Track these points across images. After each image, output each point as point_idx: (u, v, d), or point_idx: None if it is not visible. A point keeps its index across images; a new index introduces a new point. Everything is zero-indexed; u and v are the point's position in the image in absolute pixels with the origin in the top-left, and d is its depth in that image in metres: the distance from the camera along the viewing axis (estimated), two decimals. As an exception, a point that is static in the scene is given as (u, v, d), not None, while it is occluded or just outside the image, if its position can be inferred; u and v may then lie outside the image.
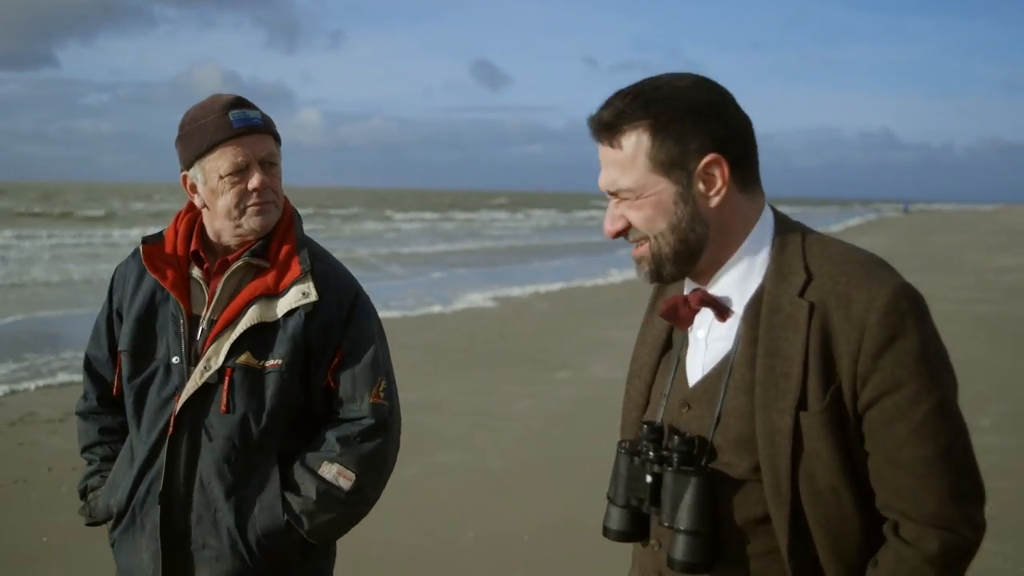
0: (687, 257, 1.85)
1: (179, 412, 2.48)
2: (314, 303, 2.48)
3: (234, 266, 2.52)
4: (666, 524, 1.85)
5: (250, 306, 2.49)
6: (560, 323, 15.44)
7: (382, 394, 2.53)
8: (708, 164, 1.79)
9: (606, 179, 1.86)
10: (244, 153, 2.46)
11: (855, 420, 1.76)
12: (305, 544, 2.50)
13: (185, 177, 2.56)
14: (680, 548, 1.82)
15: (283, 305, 2.49)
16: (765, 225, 1.87)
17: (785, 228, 1.88)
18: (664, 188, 1.81)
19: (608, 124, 1.83)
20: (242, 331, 2.47)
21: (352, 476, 2.48)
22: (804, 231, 1.88)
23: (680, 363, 1.95)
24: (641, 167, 1.81)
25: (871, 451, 1.76)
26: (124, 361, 2.58)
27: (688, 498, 1.82)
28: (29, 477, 6.77)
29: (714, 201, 1.81)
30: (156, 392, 2.53)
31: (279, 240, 2.55)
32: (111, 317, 2.68)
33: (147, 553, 2.51)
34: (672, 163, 1.80)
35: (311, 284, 2.49)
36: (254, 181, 2.46)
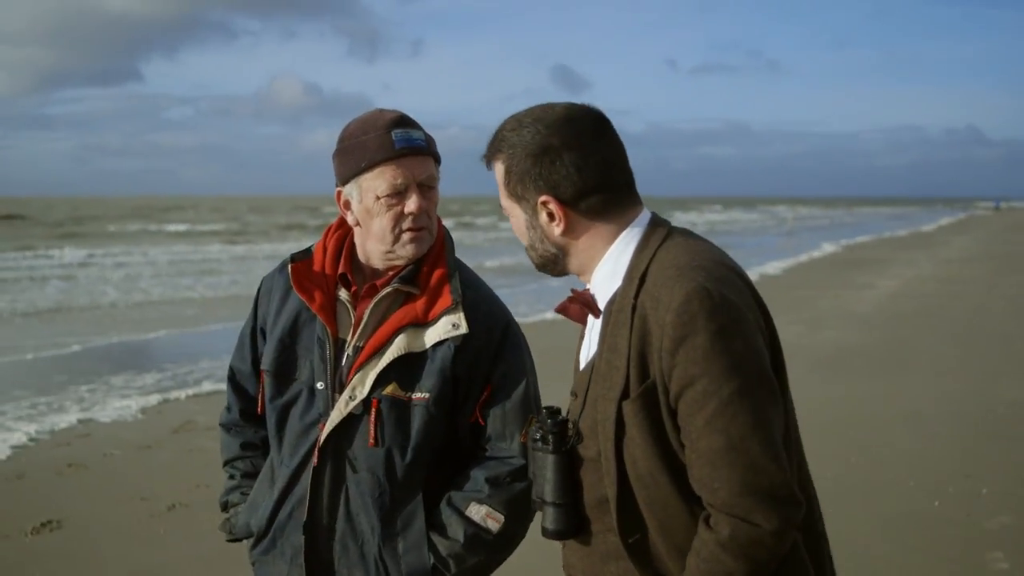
0: (549, 266, 2.14)
1: (324, 442, 2.42)
2: (463, 335, 2.40)
3: (383, 292, 2.44)
4: (535, 497, 2.10)
5: (398, 335, 2.40)
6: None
7: None
8: (543, 203, 2.04)
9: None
10: (404, 175, 2.38)
11: (670, 412, 1.89)
12: None
13: (340, 193, 2.48)
14: (547, 517, 2.08)
15: (431, 336, 2.40)
16: (632, 233, 2.05)
17: (648, 236, 2.04)
18: (519, 214, 2.11)
19: (487, 153, 2.13)
20: (389, 361, 2.39)
21: (501, 518, 2.40)
22: (667, 237, 2.03)
23: (577, 357, 2.19)
24: (503, 191, 2.12)
25: (684, 442, 1.88)
26: (267, 381, 2.54)
27: (548, 474, 2.05)
28: (210, 482, 6.93)
29: (557, 230, 2.06)
30: (299, 416, 2.47)
31: (430, 266, 2.47)
32: (255, 331, 2.64)
33: None
34: (518, 196, 2.08)
35: (462, 315, 2.40)
36: (411, 204, 2.39)
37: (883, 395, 9.90)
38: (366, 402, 2.38)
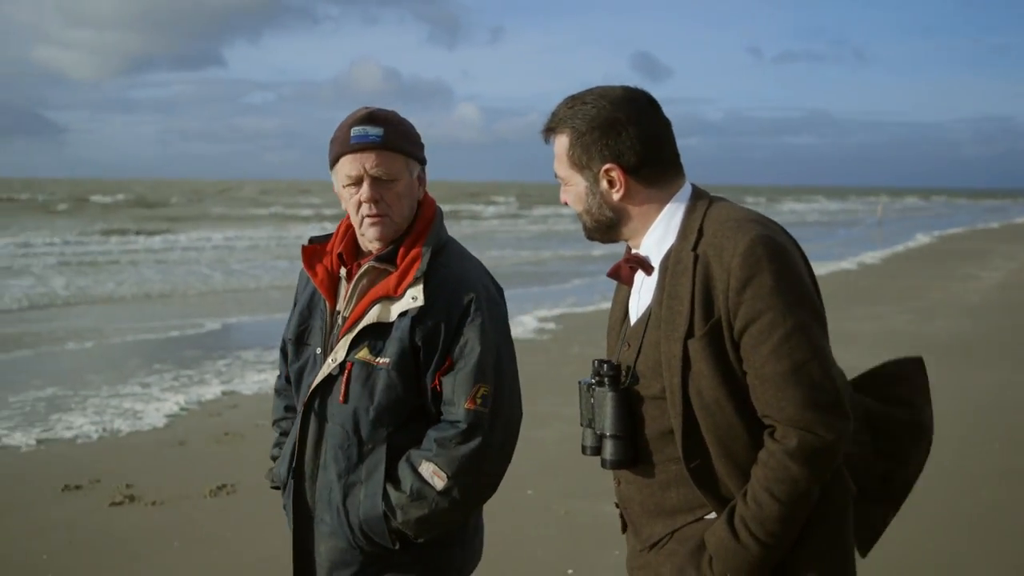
0: (604, 231, 2.40)
1: (309, 398, 2.72)
2: (420, 308, 2.61)
3: (364, 268, 2.72)
4: (596, 431, 2.36)
5: (372, 306, 2.66)
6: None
7: (479, 400, 2.60)
8: (607, 171, 2.31)
9: (554, 165, 2.41)
10: (356, 167, 2.63)
11: (734, 346, 2.16)
12: (402, 534, 2.62)
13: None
14: (607, 449, 2.34)
15: (397, 308, 2.64)
16: (679, 199, 2.33)
17: (696, 199, 2.33)
18: (579, 182, 2.37)
19: (548, 126, 2.39)
20: (360, 329, 2.65)
21: (445, 477, 2.58)
22: (712, 201, 2.33)
23: (627, 312, 2.44)
24: (565, 163, 2.37)
25: (747, 370, 2.16)
26: (289, 348, 2.87)
27: (608, 410, 2.32)
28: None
29: (616, 196, 2.33)
30: (306, 378, 2.78)
31: (408, 245, 2.69)
32: (295, 306, 2.95)
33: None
34: (582, 165, 2.34)
35: (420, 289, 2.62)
36: (362, 194, 2.64)
37: (1013, 382, 9.89)
38: (342, 365, 2.67)
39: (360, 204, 2.66)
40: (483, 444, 2.60)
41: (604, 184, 2.33)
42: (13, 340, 13.03)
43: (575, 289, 19.27)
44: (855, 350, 10.84)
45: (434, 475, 2.58)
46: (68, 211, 55.68)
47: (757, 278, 2.11)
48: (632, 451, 2.32)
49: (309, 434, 2.73)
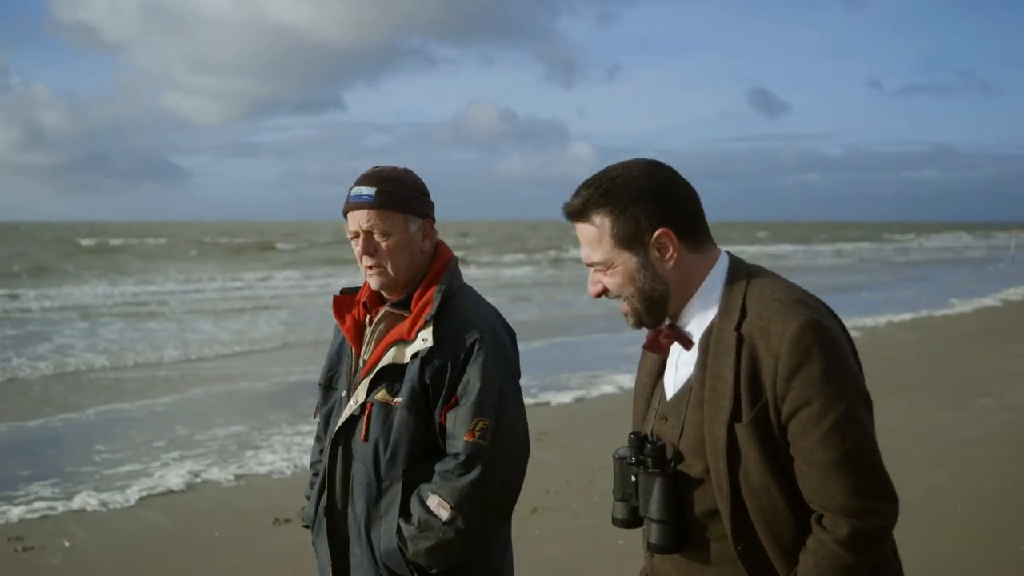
0: (656, 309, 2.28)
1: (334, 438, 2.90)
2: (429, 348, 2.77)
3: (380, 313, 2.92)
4: (643, 515, 2.29)
5: (389, 349, 2.83)
6: (939, 352, 15.18)
7: (478, 433, 2.71)
8: (659, 236, 2.22)
9: (583, 253, 2.30)
10: (354, 224, 2.86)
11: (780, 430, 2.11)
12: (418, 566, 2.75)
13: None
14: (654, 534, 2.27)
15: (410, 350, 2.80)
16: (719, 271, 2.27)
17: (735, 272, 2.26)
18: (627, 259, 2.25)
19: (578, 211, 2.27)
20: (378, 371, 2.82)
21: (448, 507, 2.69)
22: (752, 274, 2.26)
23: (660, 383, 2.38)
24: (607, 244, 2.25)
25: (795, 455, 2.10)
26: (319, 393, 3.06)
27: (656, 493, 2.24)
28: (559, 489, 7.43)
29: (669, 264, 2.24)
30: (333, 420, 2.94)
31: (422, 290, 2.87)
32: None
33: (323, 556, 2.97)
34: (631, 239, 2.23)
35: (430, 331, 2.77)
36: (356, 249, 2.87)
37: None
38: (363, 405, 2.83)
39: (360, 256, 2.88)
40: (483, 475, 2.70)
41: (655, 253, 2.24)
42: (185, 380, 13.65)
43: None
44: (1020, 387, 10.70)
45: (439, 506, 2.70)
46: (201, 254, 57.56)
47: (807, 366, 2.07)
48: (679, 535, 2.26)
49: (337, 472, 2.91)
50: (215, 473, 8.48)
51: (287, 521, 6.96)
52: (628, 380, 12.70)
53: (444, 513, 2.69)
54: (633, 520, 2.35)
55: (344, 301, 3.03)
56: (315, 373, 11.33)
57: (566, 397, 11.71)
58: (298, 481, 8.11)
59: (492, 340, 2.82)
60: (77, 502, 7.64)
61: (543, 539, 6.52)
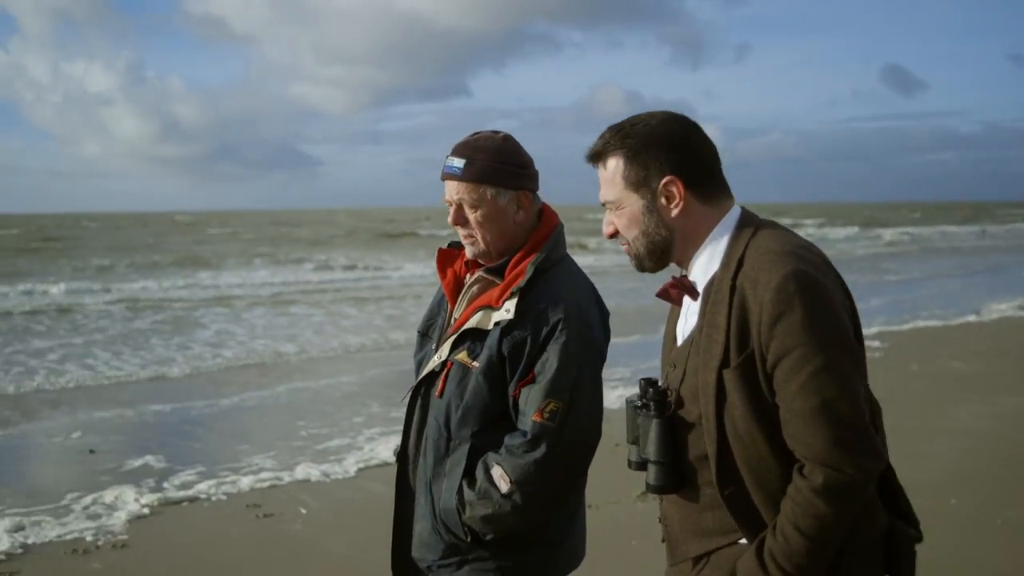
0: (659, 255, 2.38)
1: (415, 389, 2.96)
2: (509, 319, 2.76)
3: (474, 276, 2.93)
4: (642, 455, 2.37)
5: (476, 313, 2.84)
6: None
7: (547, 414, 2.69)
8: (666, 184, 2.31)
9: (600, 193, 2.41)
10: (447, 194, 2.90)
11: (766, 378, 2.15)
12: (472, 530, 2.76)
13: None
14: (651, 474, 2.35)
15: (495, 317, 2.80)
16: (727, 224, 2.33)
17: (742, 225, 2.32)
18: (634, 202, 2.35)
19: (596, 152, 2.40)
20: (462, 332, 2.85)
21: (508, 481, 2.70)
22: (758, 227, 2.30)
23: (674, 333, 2.45)
24: (619, 185, 2.36)
25: (779, 404, 2.14)
26: (417, 338, 3.13)
27: (652, 435, 2.33)
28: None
29: (675, 212, 2.33)
30: (421, 369, 3.01)
31: (518, 260, 2.85)
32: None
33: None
34: (639, 183, 2.33)
35: (514, 303, 2.76)
36: (449, 218, 2.90)
37: None
38: (444, 363, 2.88)
39: (452, 225, 2.93)
40: (546, 456, 2.69)
41: (662, 200, 2.33)
42: (366, 361, 14.09)
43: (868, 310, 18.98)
44: None
45: (500, 478, 2.72)
46: (348, 239, 58.51)
47: (788, 314, 2.10)
48: (675, 477, 2.34)
49: (414, 422, 2.97)
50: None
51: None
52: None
53: (504, 486, 2.71)
54: (643, 463, 2.41)
55: (448, 255, 3.08)
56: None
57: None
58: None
59: (577, 320, 2.79)
60: (300, 473, 8.07)
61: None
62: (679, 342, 2.41)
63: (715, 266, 2.30)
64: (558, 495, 2.79)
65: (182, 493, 7.51)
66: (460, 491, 2.77)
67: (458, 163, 2.86)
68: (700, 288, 2.34)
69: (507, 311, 2.77)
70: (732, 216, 2.35)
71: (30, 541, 6.52)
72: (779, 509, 2.17)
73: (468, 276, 2.99)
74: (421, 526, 2.90)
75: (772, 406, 2.17)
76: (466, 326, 2.84)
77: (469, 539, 2.78)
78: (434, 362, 2.91)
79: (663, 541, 2.50)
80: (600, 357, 2.86)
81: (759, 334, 2.15)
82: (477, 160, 2.84)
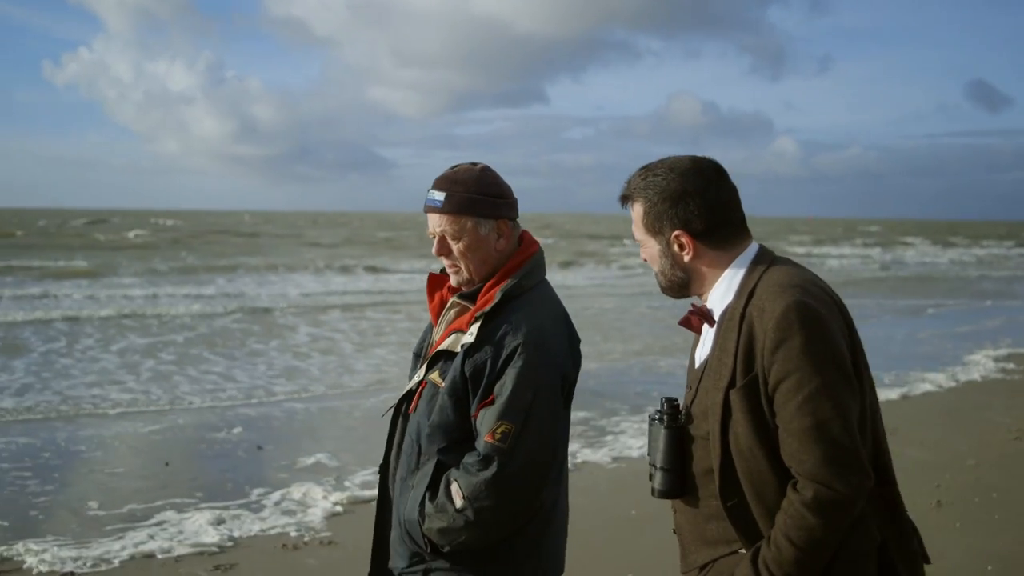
0: (676, 290, 2.65)
1: (397, 405, 3.11)
2: (471, 343, 2.87)
3: (450, 302, 3.08)
4: (650, 462, 2.61)
5: (449, 337, 2.98)
6: None
7: (498, 435, 2.78)
8: (676, 236, 2.56)
9: (632, 229, 2.66)
10: (430, 225, 3.01)
11: (768, 400, 2.36)
12: (431, 541, 2.89)
13: None
14: (657, 480, 2.59)
15: (462, 340, 2.92)
16: (743, 260, 2.55)
17: (757, 261, 2.54)
18: (652, 245, 2.63)
19: (624, 197, 2.66)
20: (433, 355, 3.00)
21: (462, 497, 2.81)
22: (772, 262, 2.53)
23: (694, 357, 2.68)
24: (641, 228, 2.63)
25: (778, 423, 2.34)
26: (412, 360, 3.23)
27: (661, 444, 2.57)
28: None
29: (687, 258, 2.58)
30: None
31: (489, 286, 2.96)
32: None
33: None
34: (655, 231, 2.59)
35: (477, 327, 2.88)
36: (434, 248, 3.02)
37: None
38: (419, 382, 3.03)
39: (437, 255, 3.04)
40: (496, 475, 2.79)
41: (675, 248, 2.58)
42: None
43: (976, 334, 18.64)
44: None
45: (456, 494, 2.83)
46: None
47: (788, 340, 2.32)
48: (679, 484, 2.56)
49: (395, 436, 3.11)
50: (587, 455, 8.87)
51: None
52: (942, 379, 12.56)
53: (459, 501, 2.83)
54: (652, 476, 2.64)
55: (438, 280, 3.20)
56: (621, 361, 11.71)
57: (892, 393, 11.66)
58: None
59: (536, 345, 2.86)
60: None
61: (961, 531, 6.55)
62: (696, 365, 2.64)
63: (730, 296, 2.53)
64: (512, 513, 2.86)
65: (368, 492, 7.61)
66: (422, 503, 2.91)
67: (439, 196, 2.97)
68: (717, 316, 2.56)
69: (471, 335, 2.90)
70: (749, 252, 2.58)
71: (236, 535, 6.73)
72: (774, 521, 2.37)
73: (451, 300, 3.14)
74: (394, 534, 3.05)
75: (772, 426, 2.37)
76: (439, 348, 3.00)
77: (428, 549, 2.91)
78: (413, 381, 3.09)
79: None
80: (561, 381, 2.92)
81: (762, 358, 2.36)
82: (456, 193, 2.95)
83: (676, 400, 2.62)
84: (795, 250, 53.16)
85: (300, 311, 21.65)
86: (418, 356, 3.21)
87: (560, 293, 3.10)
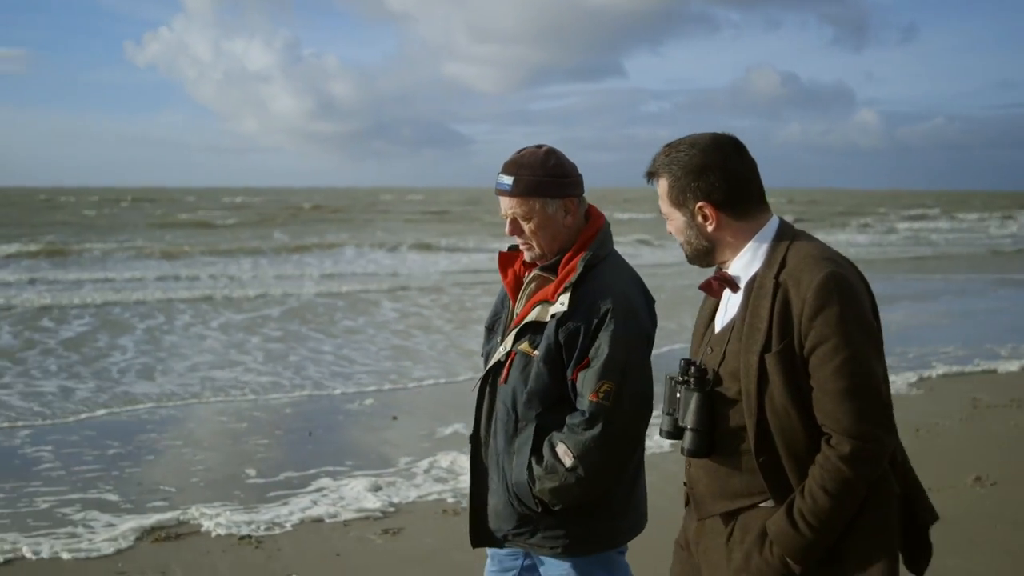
0: (702, 258, 2.80)
1: (483, 378, 3.27)
2: (564, 312, 3.06)
3: (531, 275, 3.25)
4: (680, 424, 2.73)
5: (535, 308, 3.16)
6: None
7: (602, 394, 2.99)
8: (700, 207, 2.71)
9: (659, 203, 2.80)
10: (502, 207, 3.20)
11: (803, 362, 2.53)
12: (542, 501, 3.07)
13: None
14: (688, 440, 2.71)
15: (551, 310, 3.11)
16: (767, 233, 2.71)
17: (781, 234, 2.70)
18: (678, 217, 2.78)
19: (650, 173, 2.80)
20: (521, 325, 3.17)
21: (571, 456, 3.00)
22: (795, 236, 2.70)
23: (713, 320, 2.81)
24: (666, 202, 2.78)
25: (812, 384, 2.53)
26: (484, 334, 3.41)
27: (692, 406, 2.69)
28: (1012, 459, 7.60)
29: (710, 228, 2.73)
30: (489, 360, 3.29)
31: (569, 257, 3.16)
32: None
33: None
34: (680, 203, 2.75)
35: (568, 297, 3.07)
36: (506, 228, 3.21)
37: None
38: (508, 353, 3.19)
39: (509, 235, 3.23)
40: (603, 432, 2.99)
41: (699, 219, 2.73)
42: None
43: None
44: None
45: (564, 454, 3.02)
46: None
47: (827, 308, 2.49)
48: (709, 443, 2.70)
49: (484, 408, 3.28)
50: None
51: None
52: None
53: (568, 460, 3.01)
54: (676, 432, 2.79)
55: (508, 257, 3.38)
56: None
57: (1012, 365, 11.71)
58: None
59: (624, 309, 3.08)
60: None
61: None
62: (717, 329, 2.79)
63: (757, 265, 2.69)
64: (617, 466, 3.09)
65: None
66: (530, 467, 3.09)
67: (507, 180, 3.18)
68: (742, 283, 2.71)
69: (562, 304, 3.10)
70: (771, 226, 2.74)
71: (395, 500, 7.06)
72: (805, 475, 2.56)
73: (526, 275, 3.31)
74: (496, 500, 3.23)
75: (806, 387, 2.55)
76: (527, 319, 3.18)
77: (540, 510, 3.10)
78: (499, 353, 3.24)
79: (687, 504, 2.91)
80: (647, 341, 3.17)
81: (799, 324, 2.54)
82: (524, 176, 3.15)
83: (695, 362, 2.76)
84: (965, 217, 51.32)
85: (383, 291, 21.54)
86: (490, 329, 3.40)
87: (642, 272, 3.37)
